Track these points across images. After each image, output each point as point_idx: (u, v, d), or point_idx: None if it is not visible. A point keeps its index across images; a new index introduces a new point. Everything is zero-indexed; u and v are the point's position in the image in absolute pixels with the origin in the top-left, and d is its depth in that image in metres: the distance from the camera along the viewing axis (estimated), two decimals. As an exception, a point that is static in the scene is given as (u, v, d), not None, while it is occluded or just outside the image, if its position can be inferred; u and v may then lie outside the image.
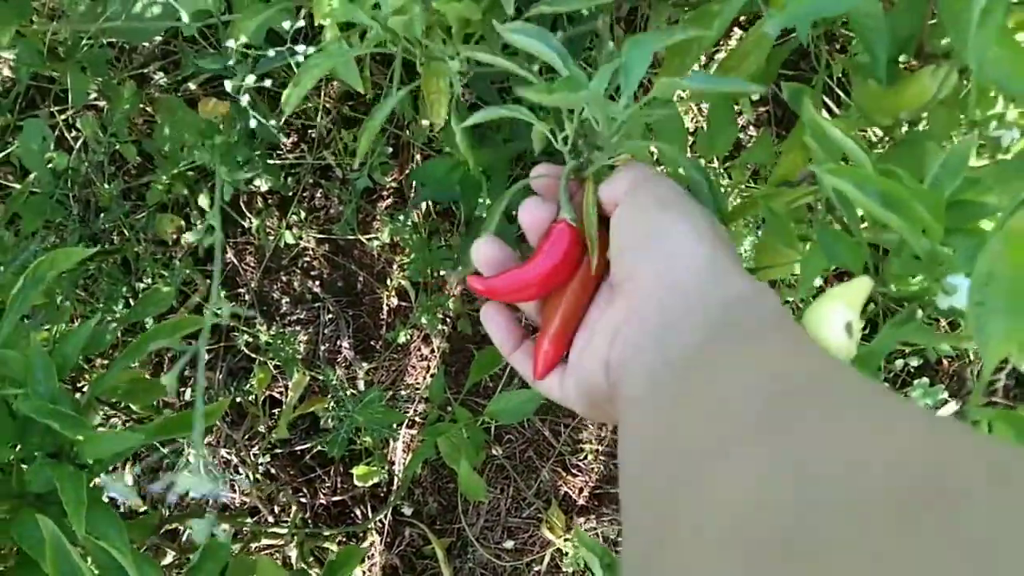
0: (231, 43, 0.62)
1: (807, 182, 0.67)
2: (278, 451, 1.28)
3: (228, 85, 0.63)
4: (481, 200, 0.83)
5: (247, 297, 1.36)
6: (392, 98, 0.50)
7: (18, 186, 1.17)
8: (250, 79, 0.60)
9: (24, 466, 0.63)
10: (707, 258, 0.35)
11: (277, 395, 1.33)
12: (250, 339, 1.32)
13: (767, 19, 0.52)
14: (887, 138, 0.65)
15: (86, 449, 0.61)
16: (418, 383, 1.34)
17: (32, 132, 0.99)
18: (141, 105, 1.28)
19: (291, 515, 1.19)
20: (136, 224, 1.28)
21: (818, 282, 1.21)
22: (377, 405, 1.01)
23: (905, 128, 0.60)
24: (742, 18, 1.21)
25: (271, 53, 0.65)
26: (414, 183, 1.31)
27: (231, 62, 0.82)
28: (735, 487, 0.22)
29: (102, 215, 1.14)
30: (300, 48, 0.63)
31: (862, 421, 0.22)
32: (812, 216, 0.80)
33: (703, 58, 1.29)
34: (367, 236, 1.34)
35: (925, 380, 1.31)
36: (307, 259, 1.38)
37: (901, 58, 0.57)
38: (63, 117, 1.28)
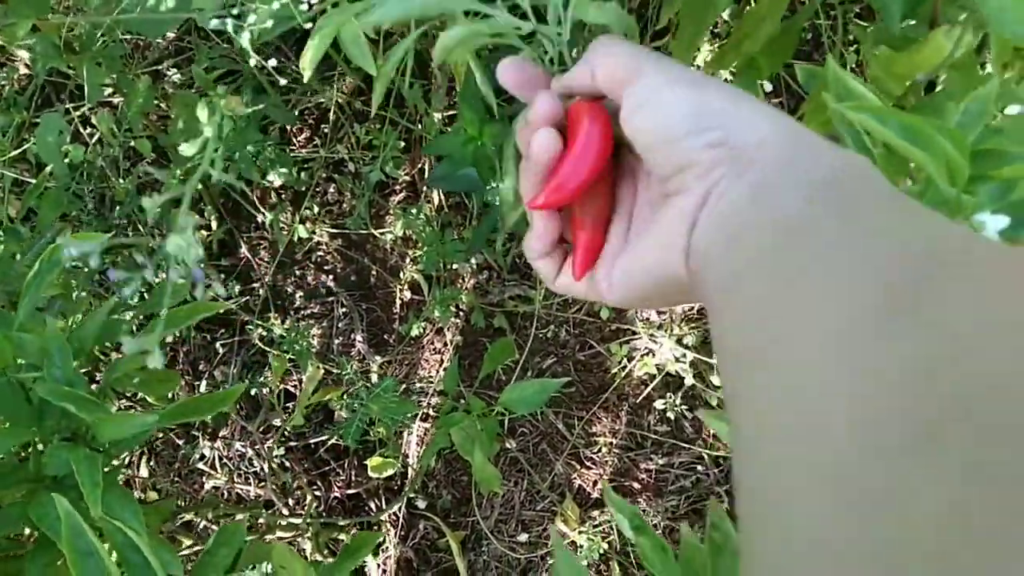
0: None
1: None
2: (293, 444, 1.28)
3: (243, 39, 0.63)
4: (493, 184, 0.83)
5: (261, 291, 1.36)
6: (408, 38, 0.50)
7: (34, 181, 1.18)
8: (269, 22, 0.60)
9: (41, 449, 0.63)
10: (790, 129, 0.31)
11: (291, 389, 1.33)
12: (264, 333, 1.32)
13: None
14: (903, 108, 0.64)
15: (101, 431, 0.61)
16: (431, 376, 1.34)
17: (49, 126, 0.99)
18: (155, 101, 1.29)
19: (306, 507, 1.19)
20: (150, 219, 1.29)
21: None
22: (391, 395, 1.01)
23: (923, 93, 0.59)
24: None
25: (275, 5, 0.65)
26: (426, 174, 1.31)
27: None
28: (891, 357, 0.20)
29: (117, 208, 1.15)
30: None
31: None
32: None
33: (712, 40, 1.28)
34: (380, 230, 1.35)
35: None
36: (320, 253, 1.38)
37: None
38: (78, 113, 1.29)
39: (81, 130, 1.25)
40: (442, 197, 1.32)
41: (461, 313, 1.33)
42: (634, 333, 1.29)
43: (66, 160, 0.98)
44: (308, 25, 0.94)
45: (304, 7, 0.63)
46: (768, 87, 1.31)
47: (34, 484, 0.64)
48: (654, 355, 1.28)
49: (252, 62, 0.89)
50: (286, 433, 1.28)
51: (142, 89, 1.09)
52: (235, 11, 0.89)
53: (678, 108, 0.32)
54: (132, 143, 1.21)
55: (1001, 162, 0.38)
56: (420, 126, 1.30)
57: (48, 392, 0.60)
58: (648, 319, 1.30)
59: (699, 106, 0.32)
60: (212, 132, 0.43)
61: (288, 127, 1.31)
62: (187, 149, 0.43)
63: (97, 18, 0.97)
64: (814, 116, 0.76)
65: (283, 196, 1.37)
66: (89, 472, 0.58)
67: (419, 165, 1.33)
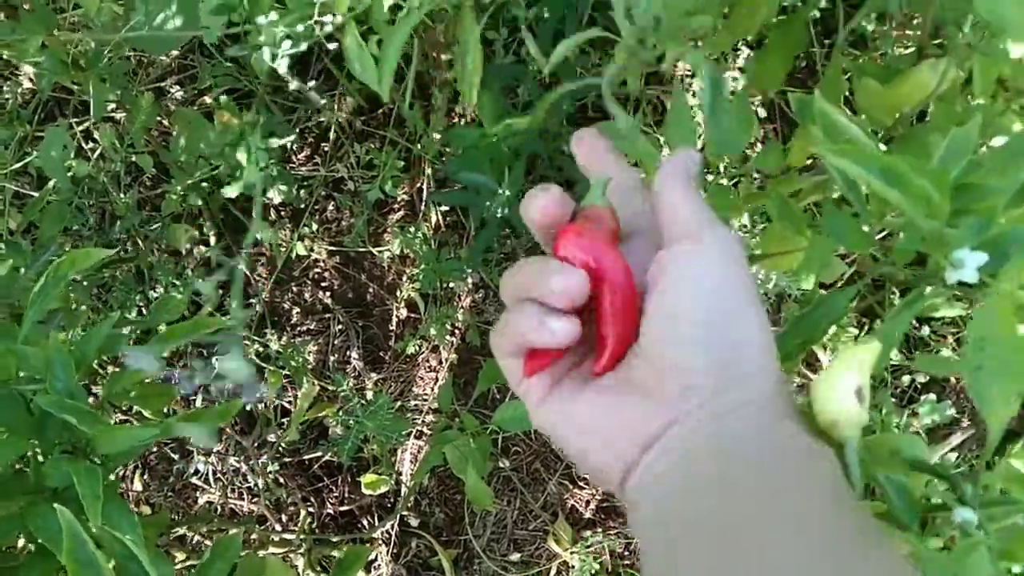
0: (261, 19, 0.63)
1: (814, 173, 0.68)
2: (287, 460, 1.29)
3: (266, 52, 0.64)
4: (500, 192, 0.84)
5: (258, 307, 1.37)
6: (412, 15, 0.51)
7: (35, 195, 1.19)
8: (286, 44, 0.62)
9: (41, 461, 0.64)
10: (776, 383, 0.32)
11: (286, 404, 1.33)
12: (260, 349, 1.33)
13: None
14: (891, 140, 0.66)
15: (101, 444, 0.62)
16: (426, 394, 1.35)
17: (53, 140, 1.01)
18: (158, 117, 1.30)
19: (299, 523, 1.19)
20: (150, 234, 1.30)
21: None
22: (386, 411, 1.02)
23: (912, 122, 0.61)
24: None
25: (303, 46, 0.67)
26: (424, 193, 1.33)
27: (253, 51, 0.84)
28: None
29: (118, 224, 1.16)
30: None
31: None
32: (820, 211, 0.81)
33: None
34: (378, 248, 1.36)
35: (932, 396, 1.31)
36: (318, 270, 1.39)
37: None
38: (81, 128, 1.31)
39: (83, 145, 1.26)
40: (439, 216, 1.34)
41: (457, 331, 1.35)
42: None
43: (69, 175, 0.99)
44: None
45: (326, 27, 0.64)
46: (762, 113, 1.34)
47: (32, 495, 0.64)
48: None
49: (261, 78, 0.90)
50: (280, 449, 1.28)
51: (145, 106, 1.11)
52: (241, 29, 0.90)
53: (707, 308, 0.31)
54: (134, 158, 1.22)
55: (982, 196, 0.40)
56: (419, 146, 1.32)
57: (50, 404, 0.61)
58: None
59: (728, 320, 0.32)
60: (253, 171, 0.45)
61: (289, 145, 1.33)
62: (230, 191, 0.45)
63: (105, 36, 0.99)
64: (802, 144, 0.78)
65: (282, 213, 1.39)
66: (90, 484, 0.59)
67: (417, 184, 1.34)
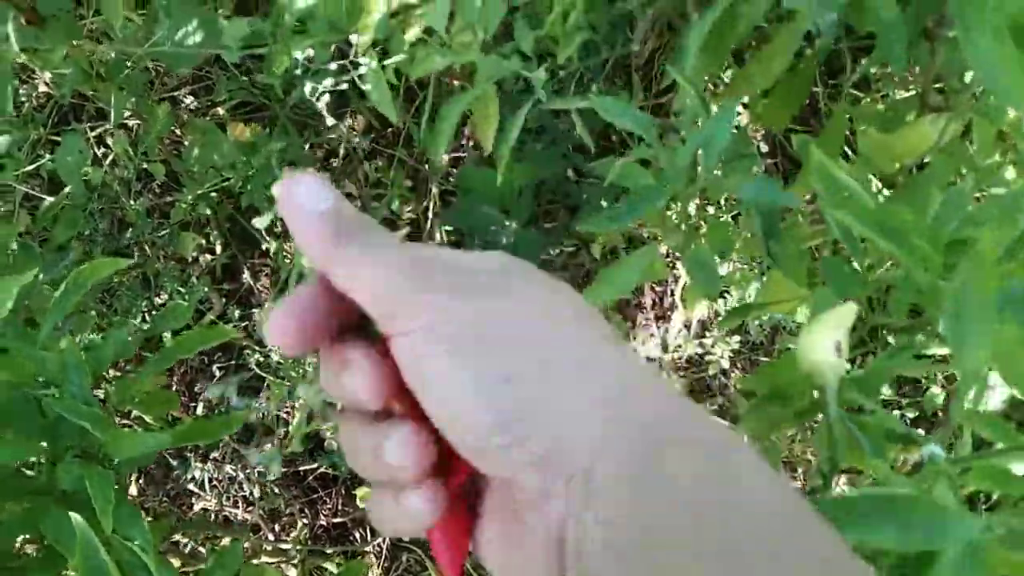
0: (298, 55, 0.66)
1: (812, 223, 0.70)
2: (283, 470, 1.30)
3: (307, 88, 0.66)
4: (508, 224, 0.87)
5: (259, 317, 1.38)
6: (467, 94, 0.54)
7: (47, 198, 1.21)
8: (328, 81, 0.65)
9: (53, 464, 0.66)
10: (630, 421, 0.24)
11: (283, 415, 1.35)
12: (262, 358, 1.35)
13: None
14: (892, 187, 0.69)
15: (114, 449, 0.64)
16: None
17: (70, 146, 1.03)
18: (171, 127, 1.32)
19: (294, 533, 1.20)
20: (158, 240, 1.31)
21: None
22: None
23: (910, 173, 0.64)
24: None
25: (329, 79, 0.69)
26: (430, 212, 1.35)
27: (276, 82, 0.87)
28: None
29: (129, 230, 1.18)
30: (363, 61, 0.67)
31: None
32: (818, 260, 0.83)
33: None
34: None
35: (920, 432, 1.33)
36: (321, 283, 1.41)
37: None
38: (94, 133, 1.33)
39: (96, 150, 1.28)
40: (444, 235, 1.36)
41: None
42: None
43: (84, 179, 1.01)
44: (333, 65, 0.98)
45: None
46: (764, 148, 1.37)
47: (42, 497, 0.65)
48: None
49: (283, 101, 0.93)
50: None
51: (162, 116, 1.13)
52: (268, 50, 0.93)
53: (470, 396, 0.24)
54: (145, 165, 1.24)
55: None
56: (427, 166, 1.34)
57: (65, 409, 0.62)
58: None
59: (500, 392, 0.24)
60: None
61: (298, 160, 1.35)
62: (261, 222, 0.47)
63: (127, 48, 1.01)
64: (803, 186, 0.81)
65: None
66: (102, 489, 0.61)
67: (424, 203, 1.36)
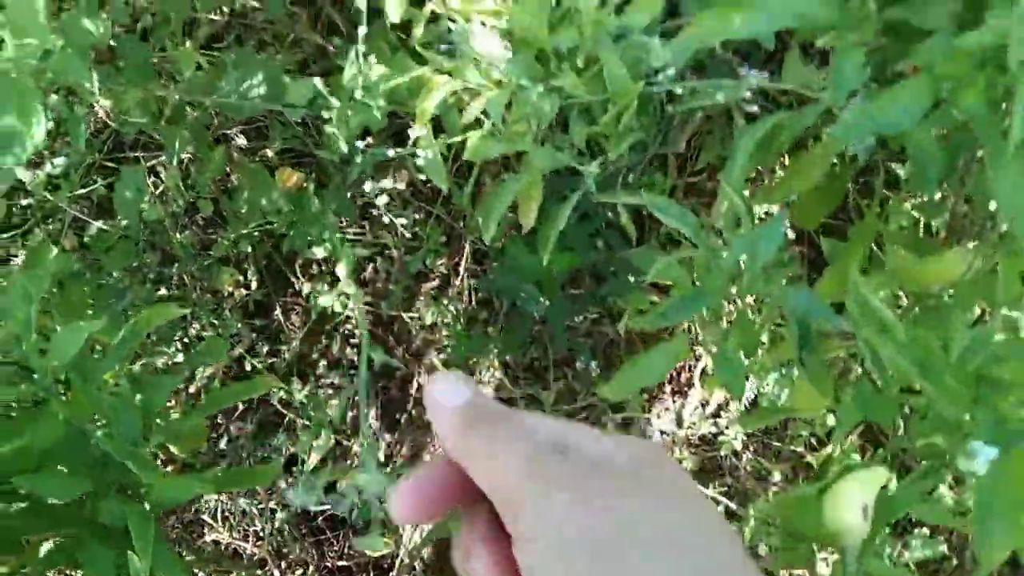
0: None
1: (842, 336, 0.73)
2: (293, 508, 1.32)
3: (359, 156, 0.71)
4: (542, 300, 0.90)
5: (287, 355, 1.42)
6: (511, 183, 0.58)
7: (93, 223, 1.26)
8: (387, 183, 0.69)
9: (94, 499, 0.69)
10: None
11: (296, 451, 1.37)
12: (284, 395, 1.38)
13: (835, 129, 0.61)
14: (917, 303, 0.72)
15: (156, 492, 0.67)
16: (437, 461, 1.38)
17: (129, 181, 1.08)
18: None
19: (299, 572, 1.22)
20: (196, 273, 1.36)
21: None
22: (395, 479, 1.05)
23: (936, 295, 0.67)
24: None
25: (389, 152, 0.74)
26: (461, 267, 1.39)
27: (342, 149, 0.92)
28: None
29: (176, 265, 1.22)
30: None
31: None
32: (844, 367, 0.86)
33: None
34: (409, 314, 1.41)
35: (925, 531, 1.33)
36: (349, 327, 1.45)
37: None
38: (148, 164, 1.38)
39: (146, 178, 1.33)
40: (471, 292, 1.40)
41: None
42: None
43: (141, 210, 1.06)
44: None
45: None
46: (791, 234, 1.40)
47: (82, 529, 0.68)
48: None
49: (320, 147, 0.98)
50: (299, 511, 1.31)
51: (216, 159, 1.18)
52: (326, 114, 0.98)
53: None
54: (194, 201, 1.29)
55: (999, 390, 0.45)
56: (462, 224, 1.39)
57: (115, 449, 0.66)
58: (649, 437, 1.35)
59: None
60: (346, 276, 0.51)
61: (342, 211, 1.39)
62: (324, 301, 0.51)
63: (195, 96, 1.07)
64: (830, 286, 0.84)
65: (323, 268, 1.45)
66: (142, 528, 0.63)
67: (455, 260, 1.41)
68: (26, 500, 0.69)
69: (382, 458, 1.36)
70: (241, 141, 1.47)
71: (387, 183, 1.25)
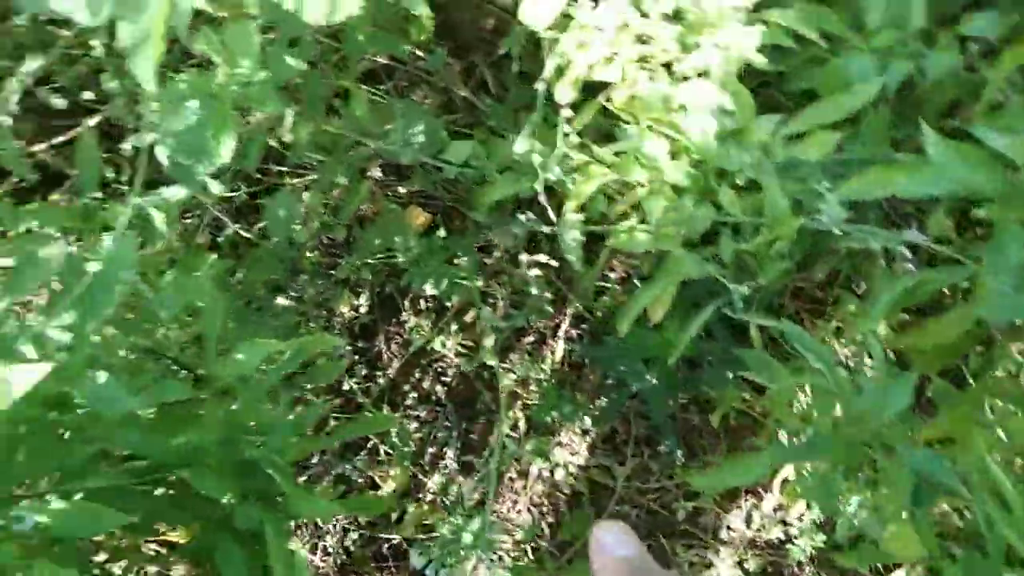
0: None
1: (951, 491, 0.75)
2: (363, 532, 1.37)
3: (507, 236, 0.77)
4: (649, 379, 0.94)
5: (382, 381, 1.49)
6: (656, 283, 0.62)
7: (231, 225, 1.35)
8: (524, 257, 0.74)
9: (234, 503, 0.75)
10: None
11: (376, 477, 1.43)
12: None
13: (987, 307, 0.63)
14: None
15: (291, 504, 0.73)
16: (504, 511, 1.42)
17: (282, 202, 1.17)
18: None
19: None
20: (314, 289, 1.44)
21: None
22: (482, 534, 1.10)
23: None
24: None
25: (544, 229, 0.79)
26: (561, 329, 1.44)
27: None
28: None
29: (306, 281, 1.31)
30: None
31: None
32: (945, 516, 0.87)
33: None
34: (502, 364, 1.47)
35: None
36: (443, 364, 1.51)
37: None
38: (294, 181, 1.48)
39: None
40: (568, 356, 1.45)
41: (548, 461, 1.42)
42: (701, 541, 1.35)
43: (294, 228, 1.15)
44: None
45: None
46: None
47: (216, 528, 0.75)
48: (714, 568, 1.33)
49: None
50: (359, 520, 1.37)
51: (363, 191, 1.27)
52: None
53: None
54: (331, 225, 1.38)
55: None
56: (568, 287, 1.44)
57: (263, 459, 0.72)
58: (716, 531, 1.36)
59: None
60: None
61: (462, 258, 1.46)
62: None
63: (363, 138, 1.16)
64: (938, 428, 0.86)
65: (430, 304, 1.52)
66: (278, 535, 0.69)
67: (556, 321, 1.46)
68: (170, 490, 0.76)
69: (453, 498, 1.40)
70: (377, 174, 1.57)
71: (509, 242, 1.31)
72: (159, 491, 0.76)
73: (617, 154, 0.90)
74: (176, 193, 0.78)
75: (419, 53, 1.47)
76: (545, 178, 0.92)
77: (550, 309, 1.43)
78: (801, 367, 0.83)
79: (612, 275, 1.47)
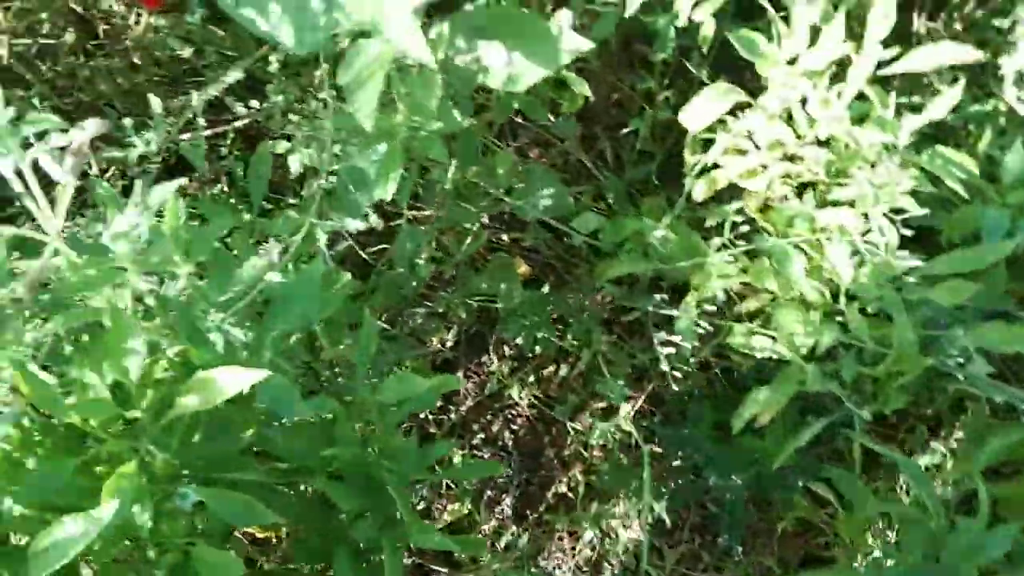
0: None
1: None
2: (414, 558, 1.41)
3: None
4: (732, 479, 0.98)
5: (452, 416, 1.54)
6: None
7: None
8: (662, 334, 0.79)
9: (355, 519, 0.80)
10: None
11: (433, 507, 1.47)
12: (441, 453, 1.49)
13: None
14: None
15: (408, 529, 0.78)
16: (549, 568, 1.45)
17: (412, 236, 1.24)
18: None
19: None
20: (414, 319, 1.51)
21: None
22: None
23: None
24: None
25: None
26: (639, 400, 1.48)
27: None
28: None
29: (411, 313, 1.38)
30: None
31: None
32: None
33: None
34: (573, 425, 1.51)
35: None
36: (514, 412, 1.56)
37: None
38: (412, 214, 1.56)
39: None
40: (636, 428, 1.48)
41: (601, 531, 1.45)
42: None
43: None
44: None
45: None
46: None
47: (333, 538, 0.80)
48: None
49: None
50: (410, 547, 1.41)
51: (482, 237, 1.34)
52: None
53: None
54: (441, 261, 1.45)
55: None
56: (651, 361, 1.49)
57: (393, 482, 0.77)
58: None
59: None
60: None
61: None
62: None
63: (498, 191, 1.23)
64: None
65: (512, 352, 1.57)
66: (394, 553, 0.75)
67: (636, 394, 1.50)
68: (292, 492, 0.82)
69: (504, 545, 1.44)
70: (484, 219, 1.64)
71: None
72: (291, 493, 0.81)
73: (750, 257, 0.96)
74: (355, 224, 0.85)
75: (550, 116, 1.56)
76: (677, 266, 0.98)
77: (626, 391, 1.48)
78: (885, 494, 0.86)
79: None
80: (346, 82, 0.87)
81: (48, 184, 0.70)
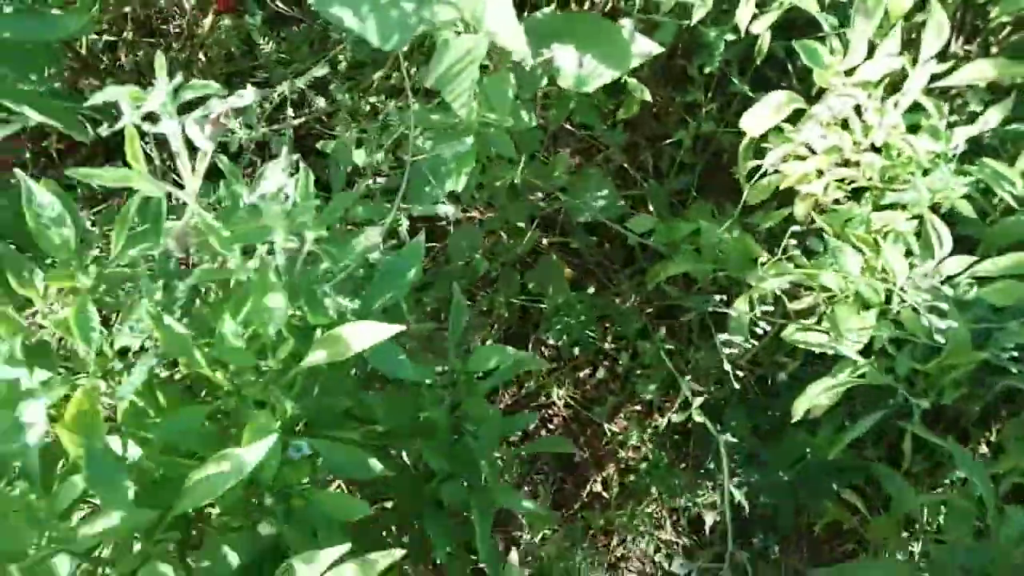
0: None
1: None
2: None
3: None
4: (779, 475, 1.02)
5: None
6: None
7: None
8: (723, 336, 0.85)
9: (441, 480, 0.85)
10: None
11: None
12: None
13: None
14: None
15: (493, 493, 0.82)
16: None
17: (467, 234, 1.30)
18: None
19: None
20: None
21: None
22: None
23: None
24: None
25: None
26: (673, 407, 1.53)
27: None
28: None
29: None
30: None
31: None
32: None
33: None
34: (610, 427, 1.55)
35: None
36: (550, 412, 1.60)
37: None
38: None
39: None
40: (672, 429, 1.53)
41: (634, 530, 1.49)
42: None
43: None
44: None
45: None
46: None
47: (424, 498, 0.84)
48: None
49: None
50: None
51: (532, 237, 1.40)
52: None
53: None
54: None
55: None
56: (686, 364, 1.54)
57: (479, 449, 0.82)
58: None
59: None
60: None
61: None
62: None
63: (554, 191, 1.29)
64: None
65: (550, 353, 1.62)
66: (483, 515, 0.79)
67: (670, 398, 1.55)
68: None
69: (539, 539, 1.47)
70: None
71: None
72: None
73: (807, 257, 1.01)
74: (447, 210, 0.90)
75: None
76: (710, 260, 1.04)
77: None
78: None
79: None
80: (438, 76, 0.93)
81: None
